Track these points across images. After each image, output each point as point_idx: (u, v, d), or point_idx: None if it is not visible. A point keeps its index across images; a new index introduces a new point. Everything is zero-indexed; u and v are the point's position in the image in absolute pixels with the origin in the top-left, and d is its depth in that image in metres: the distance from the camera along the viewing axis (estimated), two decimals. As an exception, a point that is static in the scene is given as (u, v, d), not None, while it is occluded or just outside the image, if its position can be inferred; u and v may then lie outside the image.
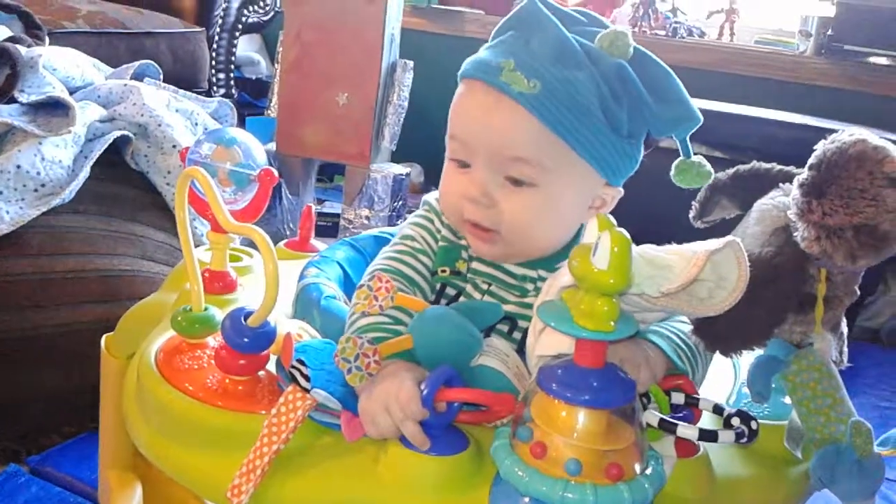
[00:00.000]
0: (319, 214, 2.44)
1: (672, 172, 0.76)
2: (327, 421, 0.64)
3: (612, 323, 0.56)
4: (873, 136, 0.68)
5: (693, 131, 0.74)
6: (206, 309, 0.73)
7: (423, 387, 0.62)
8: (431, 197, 0.82)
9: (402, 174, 2.17)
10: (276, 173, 0.84)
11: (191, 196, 0.83)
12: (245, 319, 0.66)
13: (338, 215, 2.26)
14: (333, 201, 2.52)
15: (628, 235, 0.56)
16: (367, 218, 2.19)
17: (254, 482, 0.60)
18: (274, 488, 0.61)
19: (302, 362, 0.62)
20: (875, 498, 0.71)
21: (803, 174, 0.69)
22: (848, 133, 0.69)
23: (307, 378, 0.61)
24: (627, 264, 0.55)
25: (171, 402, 0.68)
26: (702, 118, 0.74)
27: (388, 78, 2.13)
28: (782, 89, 2.44)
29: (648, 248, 0.65)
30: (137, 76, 1.70)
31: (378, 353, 0.63)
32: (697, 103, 2.29)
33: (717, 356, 0.74)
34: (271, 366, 0.69)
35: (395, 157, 2.24)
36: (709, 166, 0.76)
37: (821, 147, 0.69)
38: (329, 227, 2.36)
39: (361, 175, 2.16)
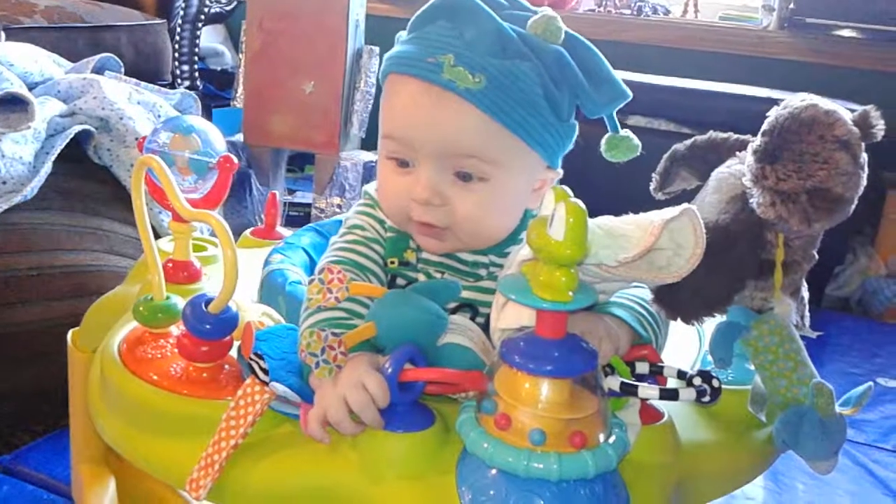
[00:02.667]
0: (291, 205, 2.43)
1: (603, 148, 0.77)
2: (288, 411, 0.64)
3: (571, 293, 0.56)
4: (825, 101, 0.69)
5: (620, 107, 0.75)
6: (167, 298, 0.72)
7: (386, 365, 0.62)
8: (371, 188, 0.80)
9: (372, 161, 2.16)
10: (235, 160, 0.83)
11: (151, 186, 0.83)
12: (206, 306, 0.65)
13: (309, 205, 2.25)
14: (305, 191, 2.51)
15: (584, 206, 0.56)
16: (339, 206, 2.18)
17: (212, 476, 0.60)
18: (236, 477, 0.61)
19: (259, 355, 0.61)
20: (838, 457, 0.72)
21: (757, 141, 0.69)
22: (799, 98, 0.69)
23: (265, 371, 0.61)
24: (583, 234, 0.56)
25: (135, 392, 0.67)
26: (630, 94, 0.74)
27: (354, 65, 2.12)
28: (747, 64, 2.45)
29: (606, 219, 0.66)
30: (98, 70, 1.68)
31: (343, 345, 0.62)
32: (666, 81, 2.29)
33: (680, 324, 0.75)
34: (235, 352, 0.69)
35: (365, 144, 2.23)
36: (636, 140, 0.77)
37: (773, 113, 0.70)
38: (301, 218, 2.35)
39: (331, 163, 2.15)
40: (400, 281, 0.78)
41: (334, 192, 2.19)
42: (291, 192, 2.51)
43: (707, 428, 0.71)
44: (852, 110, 0.70)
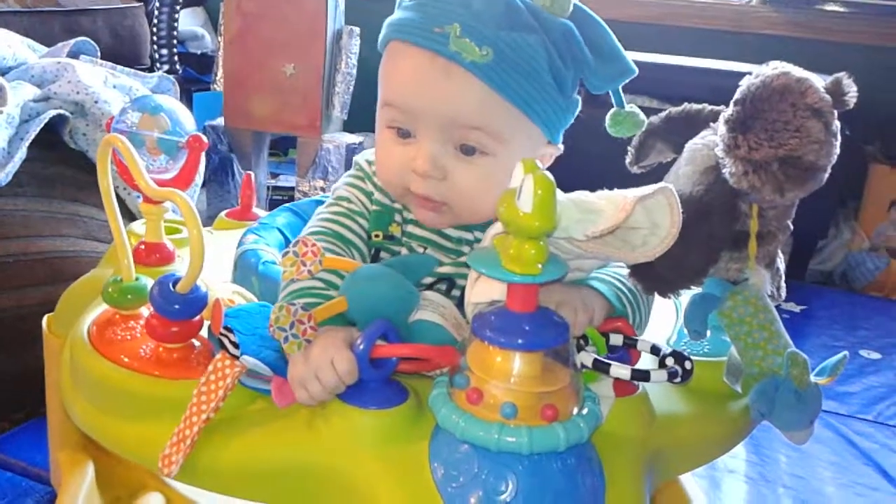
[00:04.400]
0: (274, 188, 2.41)
1: (608, 123, 0.77)
2: (259, 386, 0.63)
3: (540, 266, 0.56)
4: (797, 69, 0.69)
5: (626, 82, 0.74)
6: (137, 279, 0.72)
7: (358, 342, 0.61)
8: (362, 158, 0.80)
9: (354, 143, 2.15)
10: (204, 139, 0.82)
11: (120, 167, 0.82)
12: (174, 286, 0.64)
13: (293, 188, 2.23)
14: (289, 175, 2.49)
15: (552, 178, 0.56)
16: (322, 189, 2.17)
17: (183, 452, 0.59)
18: (208, 454, 0.61)
19: (229, 329, 0.61)
20: (814, 426, 0.72)
21: (729, 110, 0.69)
22: (772, 67, 0.69)
23: (235, 345, 0.60)
24: (552, 206, 0.55)
25: (104, 374, 0.67)
26: (636, 70, 0.73)
27: (334, 46, 2.10)
28: (731, 40, 2.44)
29: (580, 194, 0.65)
30: (73, 54, 1.65)
31: (313, 319, 0.62)
32: (648, 57, 2.30)
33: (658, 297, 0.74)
34: (206, 331, 0.68)
35: (347, 126, 2.21)
36: (643, 115, 0.76)
37: (745, 82, 0.69)
38: (285, 201, 2.32)
39: (313, 146, 2.13)
40: (383, 254, 0.77)
41: (317, 175, 2.17)
42: (275, 175, 2.49)
43: (682, 400, 0.71)
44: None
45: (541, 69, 0.68)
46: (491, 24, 0.67)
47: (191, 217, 0.61)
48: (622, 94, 0.76)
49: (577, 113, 0.75)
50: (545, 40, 0.68)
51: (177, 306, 0.65)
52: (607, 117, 0.76)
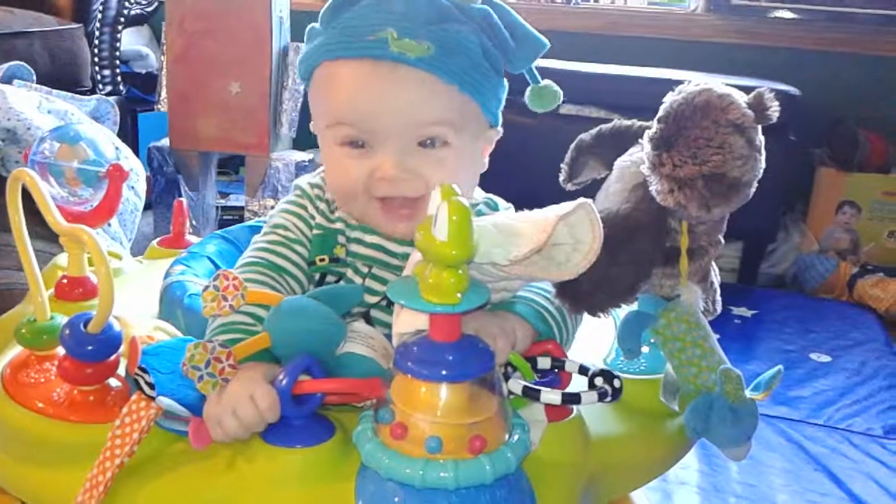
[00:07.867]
0: (224, 209, 2.38)
1: (528, 100, 0.79)
2: (177, 428, 0.61)
3: (459, 294, 0.55)
4: (719, 85, 0.68)
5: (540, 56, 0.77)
6: (52, 318, 0.69)
7: (280, 377, 0.59)
8: (303, 181, 0.79)
9: (304, 160, 2.13)
10: (126, 168, 0.80)
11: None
12: (85, 326, 0.62)
13: (243, 208, 2.20)
14: (239, 194, 2.45)
15: (467, 204, 0.54)
16: (273, 208, 2.14)
17: (97, 498, 0.57)
18: (123, 499, 0.58)
19: (144, 369, 0.58)
20: (751, 442, 0.72)
21: (653, 128, 0.68)
22: (694, 83, 0.69)
23: (151, 385, 0.58)
24: (467, 234, 0.54)
25: (15, 420, 0.64)
26: (548, 43, 0.75)
27: (280, 63, 2.08)
28: (676, 48, 2.47)
29: (502, 216, 0.64)
30: (7, 79, 1.62)
31: (233, 357, 0.59)
32: (596, 68, 2.37)
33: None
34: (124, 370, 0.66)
35: (296, 144, 2.19)
36: (556, 87, 0.78)
37: (668, 99, 0.69)
38: (235, 221, 2.29)
39: (262, 165, 2.10)
40: (330, 278, 0.76)
41: (267, 194, 2.15)
42: (224, 195, 2.45)
43: (619, 420, 0.70)
44: (778, 90, 0.70)
45: (476, 54, 0.71)
46: (422, 21, 0.69)
47: (98, 255, 0.59)
48: (535, 71, 0.78)
49: (506, 93, 0.78)
50: (473, 27, 0.71)
51: (90, 347, 0.62)
52: (527, 94, 0.79)
